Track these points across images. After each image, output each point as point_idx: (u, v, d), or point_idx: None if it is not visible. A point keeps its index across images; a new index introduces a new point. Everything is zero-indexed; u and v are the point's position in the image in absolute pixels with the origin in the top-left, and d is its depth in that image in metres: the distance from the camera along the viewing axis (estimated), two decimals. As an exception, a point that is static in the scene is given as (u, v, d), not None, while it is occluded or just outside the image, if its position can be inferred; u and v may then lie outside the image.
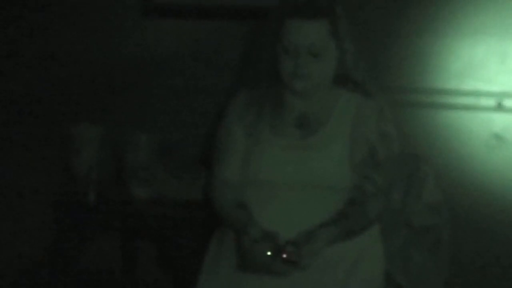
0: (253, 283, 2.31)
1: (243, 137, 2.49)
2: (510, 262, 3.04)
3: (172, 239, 2.88)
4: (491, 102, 2.91)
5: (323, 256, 2.27)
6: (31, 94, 3.39)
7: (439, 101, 2.94)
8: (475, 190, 2.96)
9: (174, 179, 2.98)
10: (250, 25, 3.06)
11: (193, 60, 3.21)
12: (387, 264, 2.50)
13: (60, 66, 3.36)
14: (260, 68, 2.51)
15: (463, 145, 2.94)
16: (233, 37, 3.13)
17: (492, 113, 2.92)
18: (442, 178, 2.65)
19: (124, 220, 2.96)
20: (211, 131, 2.80)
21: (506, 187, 2.95)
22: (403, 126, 2.77)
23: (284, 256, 2.18)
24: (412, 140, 2.91)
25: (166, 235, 2.89)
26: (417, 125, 2.97)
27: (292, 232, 2.27)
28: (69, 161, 3.06)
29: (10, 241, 3.40)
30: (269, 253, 2.20)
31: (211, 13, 3.19)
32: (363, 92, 2.48)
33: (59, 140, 3.25)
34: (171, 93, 3.24)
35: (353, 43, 2.46)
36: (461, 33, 2.91)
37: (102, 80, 3.31)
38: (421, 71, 2.96)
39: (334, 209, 2.36)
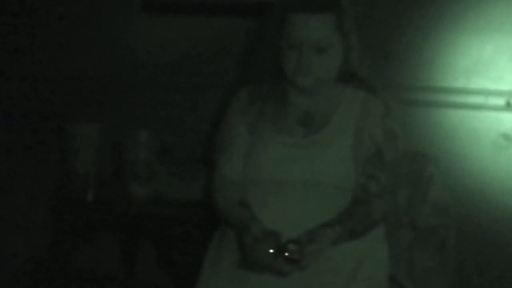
0: (254, 282, 2.29)
1: (246, 135, 2.48)
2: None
3: (172, 238, 2.87)
4: (499, 101, 2.91)
5: (326, 256, 2.24)
6: (28, 92, 3.38)
7: (446, 99, 2.95)
8: (482, 190, 2.95)
9: (174, 177, 2.97)
10: (252, 21, 3.05)
11: (194, 57, 3.21)
12: (391, 266, 2.47)
13: (58, 64, 3.35)
14: (263, 64, 2.51)
15: (471, 145, 2.95)
16: (234, 34, 3.13)
17: (501, 113, 2.91)
18: (449, 178, 2.66)
19: (123, 219, 2.96)
20: (213, 129, 2.79)
21: (514, 187, 2.96)
22: (410, 125, 2.78)
23: (286, 254, 2.16)
24: (419, 139, 2.90)
25: (166, 234, 2.88)
26: (424, 124, 2.97)
27: (295, 231, 2.24)
28: (67, 159, 3.05)
29: (8, 240, 3.39)
30: (271, 251, 2.17)
31: (212, 9, 3.19)
32: (368, 89, 2.46)
33: (58, 138, 3.24)
34: (171, 90, 3.24)
35: (359, 38, 2.43)
36: (469, 30, 2.91)
37: (100, 77, 3.30)
38: (428, 69, 2.96)
39: (338, 208, 2.34)
